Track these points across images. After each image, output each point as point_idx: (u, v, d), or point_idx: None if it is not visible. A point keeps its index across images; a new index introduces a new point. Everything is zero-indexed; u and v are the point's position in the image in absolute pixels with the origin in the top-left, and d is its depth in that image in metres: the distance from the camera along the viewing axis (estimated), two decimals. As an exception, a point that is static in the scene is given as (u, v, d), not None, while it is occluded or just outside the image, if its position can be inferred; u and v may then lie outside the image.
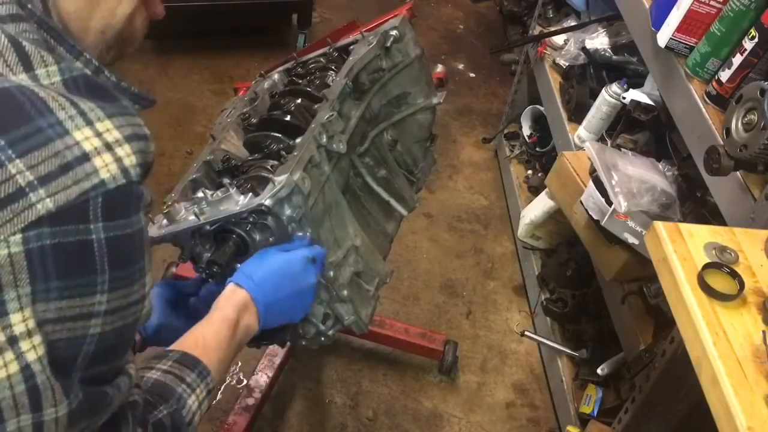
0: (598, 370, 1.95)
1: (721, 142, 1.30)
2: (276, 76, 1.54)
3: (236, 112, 1.43)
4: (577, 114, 2.27)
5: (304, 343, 1.33)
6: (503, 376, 2.35)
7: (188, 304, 1.23)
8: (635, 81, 2.08)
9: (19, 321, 0.56)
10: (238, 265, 1.20)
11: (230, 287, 1.05)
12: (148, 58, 3.36)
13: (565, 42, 2.49)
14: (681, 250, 1.03)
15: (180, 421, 0.84)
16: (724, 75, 1.44)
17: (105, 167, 0.58)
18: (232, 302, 1.02)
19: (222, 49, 3.46)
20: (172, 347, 0.93)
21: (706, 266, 1.00)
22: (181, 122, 3.03)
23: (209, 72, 3.32)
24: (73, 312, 0.59)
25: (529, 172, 2.88)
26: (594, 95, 2.19)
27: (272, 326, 1.09)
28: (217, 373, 0.93)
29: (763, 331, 0.93)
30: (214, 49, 3.44)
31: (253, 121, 1.40)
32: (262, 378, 2.06)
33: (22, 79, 0.59)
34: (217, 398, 2.12)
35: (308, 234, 1.13)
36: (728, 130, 1.27)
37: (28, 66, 0.60)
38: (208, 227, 1.13)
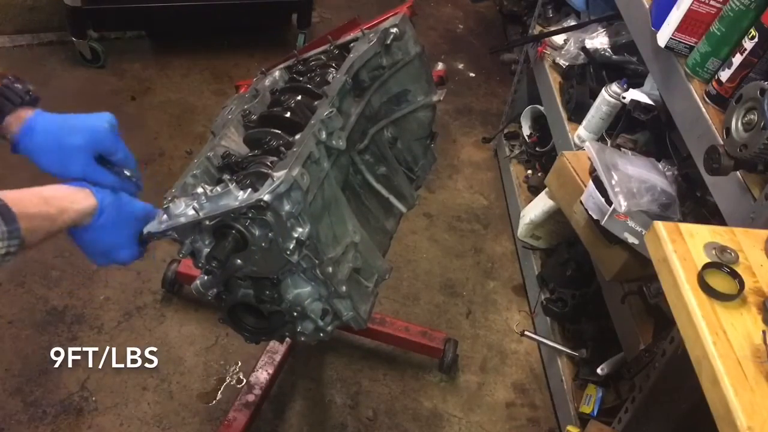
0: (598, 370, 1.95)
1: (721, 142, 1.30)
2: (277, 73, 1.54)
3: (237, 109, 1.43)
4: (577, 114, 2.27)
5: (303, 339, 1.33)
6: (503, 376, 2.35)
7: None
8: (635, 81, 2.08)
9: None
10: (238, 261, 1.20)
11: (88, 192, 1.04)
12: (148, 58, 3.36)
13: (565, 42, 2.49)
14: (681, 250, 1.03)
15: None
16: (724, 75, 1.44)
17: None
18: (78, 209, 1.01)
19: (222, 49, 3.45)
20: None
21: (706, 266, 1.00)
22: (181, 122, 3.03)
23: (209, 72, 3.32)
24: None
25: (529, 172, 2.88)
26: (594, 95, 2.19)
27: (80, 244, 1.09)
28: (23, 247, 0.90)
29: (763, 331, 0.93)
30: (214, 49, 3.44)
31: (254, 117, 1.40)
32: (262, 375, 2.06)
33: None
34: (217, 398, 2.12)
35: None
36: (728, 130, 1.27)
37: None
38: (207, 222, 1.13)
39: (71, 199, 1.01)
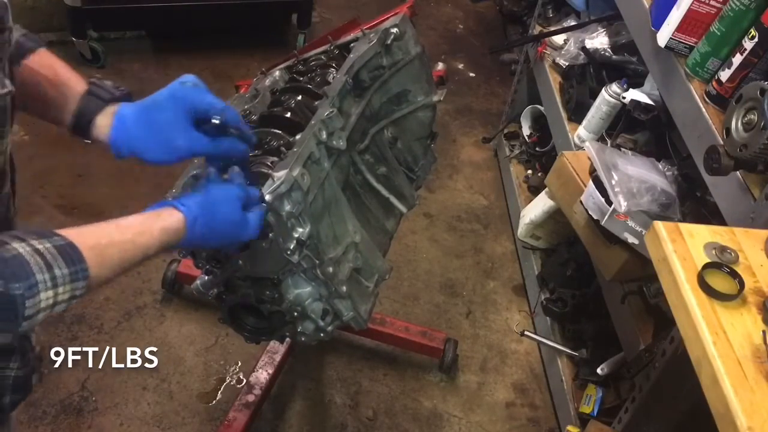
0: (598, 370, 1.95)
1: (721, 142, 1.30)
2: (277, 74, 1.54)
3: (237, 109, 1.42)
4: (577, 114, 2.27)
5: (303, 339, 1.33)
6: (503, 376, 2.35)
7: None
8: (635, 81, 2.08)
9: None
10: (240, 262, 1.20)
11: (170, 210, 0.92)
12: (148, 58, 3.36)
13: (565, 42, 2.49)
14: (681, 250, 1.03)
15: (14, 308, 0.70)
16: (724, 75, 1.44)
17: None
18: (162, 226, 0.89)
19: (222, 49, 3.45)
20: (66, 231, 0.78)
21: (706, 266, 1.00)
22: (181, 121, 3.02)
23: (209, 72, 3.32)
24: None
25: (529, 172, 2.88)
26: (594, 95, 2.19)
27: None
28: (95, 284, 0.80)
29: (763, 331, 0.93)
30: (214, 49, 3.44)
31: (254, 117, 1.40)
32: (262, 375, 2.06)
33: None
34: (217, 398, 2.12)
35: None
36: (728, 130, 1.27)
37: None
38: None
39: (152, 219, 0.90)
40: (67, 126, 0.97)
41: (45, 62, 0.96)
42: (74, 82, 0.97)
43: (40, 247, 0.74)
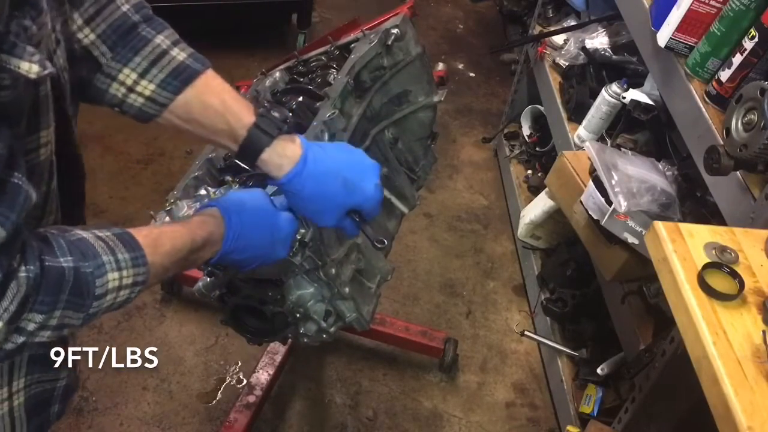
0: (598, 370, 1.95)
1: (721, 142, 1.30)
2: (277, 75, 1.54)
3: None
4: (577, 114, 2.28)
5: (306, 340, 1.33)
6: (503, 376, 2.36)
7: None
8: (635, 81, 2.09)
9: None
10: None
11: (216, 213, 0.96)
12: (148, 58, 3.35)
13: (565, 42, 2.49)
14: (681, 250, 1.03)
15: (86, 285, 0.72)
16: (724, 75, 1.44)
17: None
18: (208, 229, 0.93)
19: (222, 49, 3.43)
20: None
21: (706, 266, 0.99)
22: (181, 121, 3.02)
23: (209, 71, 3.31)
24: None
25: (529, 172, 2.88)
26: (594, 95, 2.19)
27: (217, 264, 1.01)
28: (154, 273, 0.81)
29: (763, 331, 0.93)
30: (214, 49, 3.38)
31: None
32: (263, 376, 2.06)
33: None
34: (217, 398, 2.12)
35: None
36: (728, 130, 1.27)
37: None
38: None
39: (202, 219, 0.94)
40: (232, 151, 0.99)
41: (212, 88, 0.98)
42: (241, 113, 0.96)
43: (101, 234, 0.77)
